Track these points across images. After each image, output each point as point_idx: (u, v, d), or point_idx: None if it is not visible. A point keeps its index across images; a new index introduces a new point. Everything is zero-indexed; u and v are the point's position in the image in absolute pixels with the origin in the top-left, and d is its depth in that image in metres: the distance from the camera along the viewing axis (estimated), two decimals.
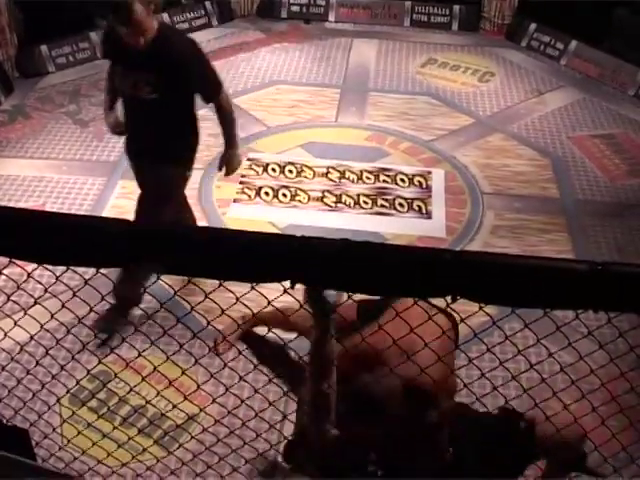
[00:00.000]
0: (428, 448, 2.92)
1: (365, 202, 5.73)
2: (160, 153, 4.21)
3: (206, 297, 2.01)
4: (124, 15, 3.80)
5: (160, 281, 2.30)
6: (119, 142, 5.27)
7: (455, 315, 1.94)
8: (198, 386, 2.84)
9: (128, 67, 4.07)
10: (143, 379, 2.87)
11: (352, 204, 5.71)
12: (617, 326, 2.02)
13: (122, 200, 5.55)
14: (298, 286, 1.73)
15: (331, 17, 8.81)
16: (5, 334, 2.53)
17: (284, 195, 5.76)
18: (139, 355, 2.61)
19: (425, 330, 2.41)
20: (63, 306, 2.38)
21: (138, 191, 4.51)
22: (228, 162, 4.41)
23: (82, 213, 5.31)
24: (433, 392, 2.92)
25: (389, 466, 3.02)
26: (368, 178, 6.00)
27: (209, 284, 1.87)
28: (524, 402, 2.65)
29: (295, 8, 8.84)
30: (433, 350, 2.47)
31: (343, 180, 5.97)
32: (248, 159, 6.15)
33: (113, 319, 4.35)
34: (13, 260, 1.84)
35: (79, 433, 3.04)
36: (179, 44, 4.06)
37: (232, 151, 4.38)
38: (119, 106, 4.37)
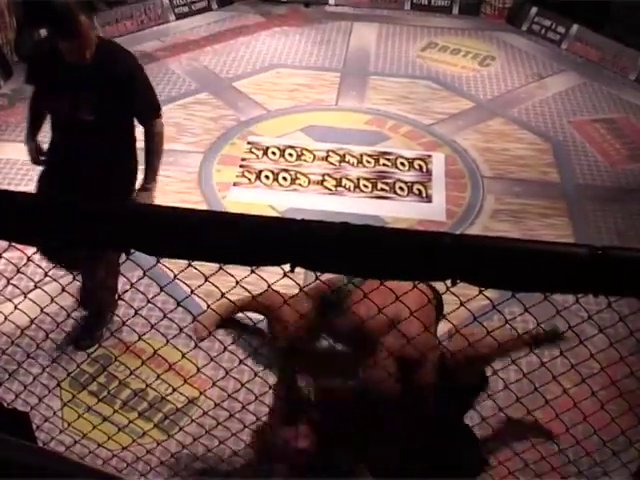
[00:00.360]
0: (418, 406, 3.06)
1: (365, 186, 5.72)
2: (100, 183, 3.62)
3: (206, 280, 2.01)
4: (71, 28, 3.43)
5: (160, 264, 2.30)
6: None
7: (454, 298, 1.94)
8: (198, 369, 2.84)
9: (68, 86, 3.60)
10: (143, 363, 2.87)
11: (352, 188, 5.70)
12: (617, 310, 2.03)
13: None
14: (297, 269, 1.72)
15: (331, 0, 8.77)
16: (5, 318, 2.53)
17: (284, 179, 5.75)
18: (139, 339, 2.62)
19: (405, 301, 2.39)
20: (63, 290, 2.38)
21: None
22: (140, 198, 3.85)
23: None
24: (420, 359, 3.04)
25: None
26: (368, 162, 5.99)
27: (208, 267, 1.86)
28: (524, 386, 2.65)
29: None
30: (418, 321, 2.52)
31: (343, 164, 5.96)
32: (248, 142, 6.14)
33: (95, 332, 4.14)
34: (13, 244, 1.84)
35: (79, 417, 3.05)
36: (123, 57, 3.70)
37: (149, 186, 3.86)
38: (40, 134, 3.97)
